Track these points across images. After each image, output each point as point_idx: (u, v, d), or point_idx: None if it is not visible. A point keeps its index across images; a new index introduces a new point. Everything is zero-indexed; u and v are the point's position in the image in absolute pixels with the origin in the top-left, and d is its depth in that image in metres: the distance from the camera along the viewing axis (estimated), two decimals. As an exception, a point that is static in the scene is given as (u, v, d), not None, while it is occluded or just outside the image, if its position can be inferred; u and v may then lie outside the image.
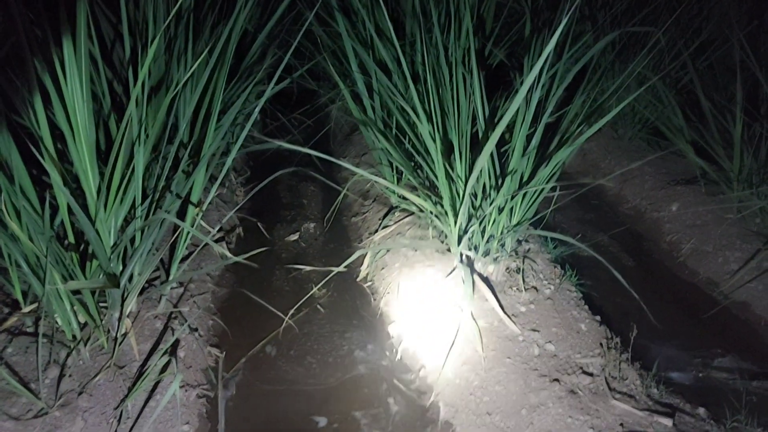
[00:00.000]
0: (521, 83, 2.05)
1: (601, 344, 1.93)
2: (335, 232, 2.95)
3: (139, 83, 1.49)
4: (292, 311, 2.07)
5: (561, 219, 3.15)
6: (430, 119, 1.98)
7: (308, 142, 3.75)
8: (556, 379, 1.78)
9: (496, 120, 2.32)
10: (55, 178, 1.41)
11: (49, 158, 1.47)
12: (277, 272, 2.58)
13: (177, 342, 1.79)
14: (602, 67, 2.90)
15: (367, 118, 2.52)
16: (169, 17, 1.61)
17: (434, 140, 1.93)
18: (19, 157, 1.48)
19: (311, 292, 2.02)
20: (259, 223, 2.77)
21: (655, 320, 2.05)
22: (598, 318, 2.09)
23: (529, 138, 2.00)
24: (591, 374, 1.81)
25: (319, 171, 3.08)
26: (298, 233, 2.91)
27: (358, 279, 2.50)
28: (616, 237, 2.97)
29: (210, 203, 2.75)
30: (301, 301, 1.99)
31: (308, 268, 2.51)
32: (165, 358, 1.62)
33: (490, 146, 1.65)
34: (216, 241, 2.53)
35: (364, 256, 2.54)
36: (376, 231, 2.57)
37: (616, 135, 3.80)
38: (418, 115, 1.95)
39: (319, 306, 2.33)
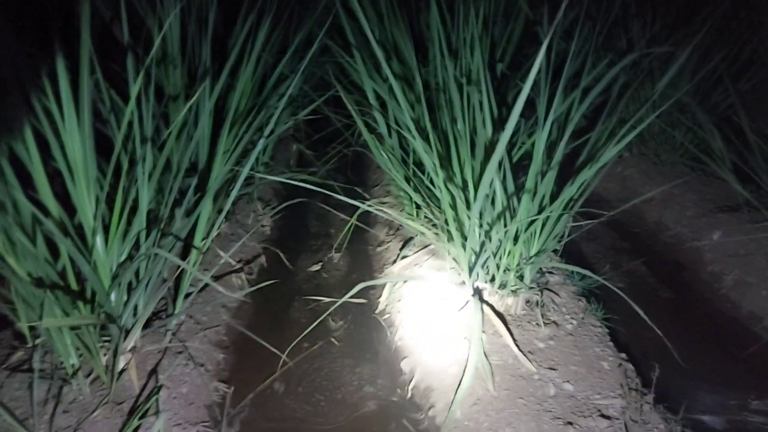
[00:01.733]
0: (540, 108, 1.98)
1: (621, 385, 1.81)
2: (359, 262, 2.91)
3: (133, 98, 1.51)
4: (288, 350, 2.03)
5: (595, 247, 3.02)
6: (439, 149, 1.93)
7: (338, 170, 3.76)
8: (571, 422, 1.67)
9: (513, 152, 2.25)
10: (56, 232, 1.42)
11: (50, 215, 1.49)
12: (296, 303, 2.55)
13: (172, 378, 1.77)
14: (631, 87, 2.78)
15: (385, 152, 2.48)
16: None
17: (436, 172, 1.87)
18: (20, 188, 1.50)
19: (309, 330, 1.97)
20: (280, 254, 2.76)
21: (687, 358, 1.91)
22: (623, 355, 1.97)
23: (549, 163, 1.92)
24: (609, 417, 1.69)
25: (341, 200, 3.05)
26: (321, 263, 2.88)
27: (376, 311, 2.45)
28: (654, 267, 2.82)
29: (232, 232, 2.77)
30: (298, 339, 1.95)
31: (326, 299, 2.47)
32: (163, 395, 1.61)
33: (491, 169, 1.58)
34: (235, 272, 2.53)
35: (383, 287, 2.49)
36: (395, 261, 2.52)
37: (658, 161, 3.64)
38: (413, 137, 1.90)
39: (333, 339, 2.28)
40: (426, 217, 2.45)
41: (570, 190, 1.95)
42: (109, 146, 1.66)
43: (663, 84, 2.02)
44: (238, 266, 2.59)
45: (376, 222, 3.13)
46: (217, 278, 2.36)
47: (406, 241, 2.62)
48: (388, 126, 2.56)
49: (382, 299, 2.48)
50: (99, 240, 1.58)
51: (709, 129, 2.90)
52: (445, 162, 1.99)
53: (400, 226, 2.91)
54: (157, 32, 2.09)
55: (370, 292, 2.55)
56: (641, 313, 1.75)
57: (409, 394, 1.99)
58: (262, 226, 3.06)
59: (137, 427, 1.54)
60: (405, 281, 2.39)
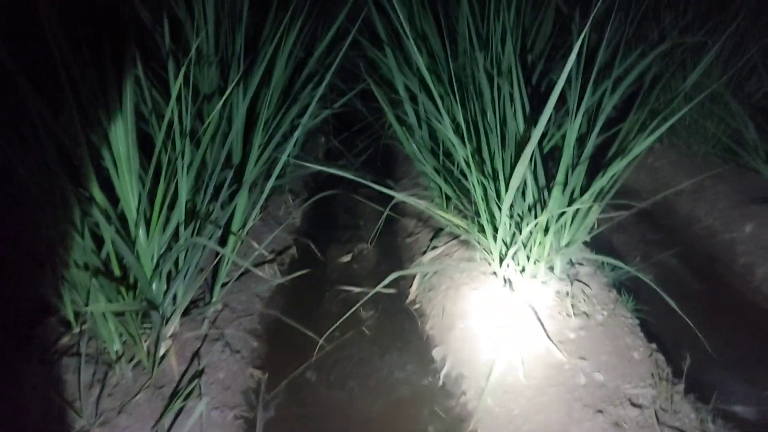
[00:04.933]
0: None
1: (652, 374, 1.82)
2: (388, 253, 2.94)
3: (173, 100, 1.56)
4: (324, 336, 2.07)
5: (625, 239, 3.01)
6: (470, 141, 1.95)
7: (367, 164, 3.80)
8: (601, 411, 1.69)
9: (544, 144, 2.26)
10: (101, 220, 1.48)
11: (96, 205, 1.55)
12: (327, 294, 2.60)
13: (210, 364, 1.83)
14: (664, 77, 2.76)
15: (414, 144, 2.51)
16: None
17: (468, 163, 1.89)
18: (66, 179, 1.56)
19: (345, 317, 2.02)
20: (311, 244, 2.81)
21: (718, 349, 1.91)
22: (653, 346, 1.97)
23: (579, 156, 1.94)
24: (640, 406, 1.70)
25: (373, 191, 3.09)
26: (351, 254, 2.93)
27: (406, 301, 2.48)
28: (685, 259, 2.80)
29: (263, 224, 2.82)
30: (335, 325, 2.00)
31: (357, 290, 2.52)
32: (196, 381, 1.67)
33: (523, 164, 1.61)
34: (268, 262, 2.58)
35: (413, 278, 2.53)
36: (424, 252, 2.55)
37: (689, 152, 3.60)
38: (450, 136, 1.93)
39: (364, 329, 2.33)
40: (456, 207, 2.47)
41: (601, 182, 1.96)
42: (148, 144, 1.73)
43: (696, 74, 2.01)
44: (270, 257, 2.64)
45: (405, 213, 3.16)
46: (241, 273, 2.40)
47: (436, 233, 2.65)
48: (418, 118, 2.59)
49: (412, 289, 2.51)
50: (141, 230, 1.64)
51: (743, 119, 2.87)
52: (476, 154, 2.01)
53: (430, 217, 2.93)
54: (194, 36, 2.14)
55: (400, 282, 2.58)
56: (673, 304, 1.76)
57: (440, 382, 2.02)
58: (293, 218, 3.11)
59: (179, 410, 1.60)
60: (435, 272, 2.42)
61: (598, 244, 2.41)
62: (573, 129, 1.87)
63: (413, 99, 2.60)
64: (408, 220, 3.13)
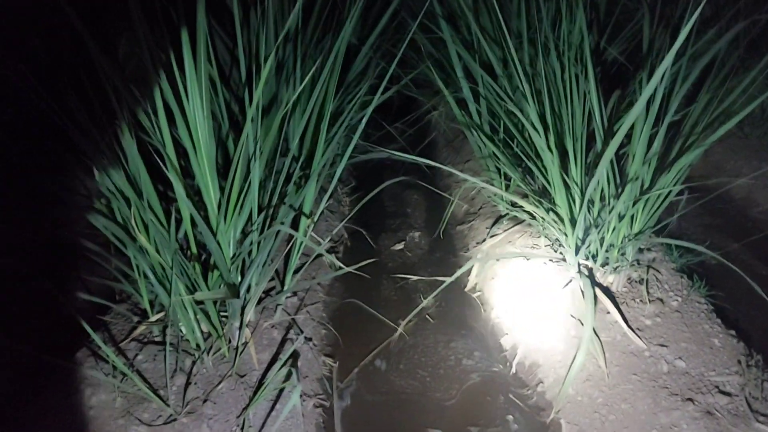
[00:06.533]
0: (639, 84, 1.94)
1: (738, 361, 1.77)
2: (441, 240, 2.90)
3: (255, 104, 1.53)
4: (404, 323, 2.05)
5: (684, 225, 2.94)
6: (543, 123, 1.91)
7: (411, 150, 3.75)
8: (690, 399, 1.65)
9: (615, 125, 2.20)
10: (179, 190, 1.47)
11: (174, 172, 1.53)
12: (384, 282, 2.57)
13: (295, 352, 1.81)
14: (728, 62, 2.68)
15: (472, 123, 2.47)
16: (278, 41, 1.65)
17: (549, 149, 1.85)
18: (147, 173, 1.55)
19: (423, 304, 2.00)
20: (365, 233, 2.78)
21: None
22: (733, 332, 1.92)
23: (650, 141, 1.88)
24: (729, 394, 1.66)
25: (423, 179, 3.07)
26: (403, 242, 2.90)
27: (466, 289, 2.45)
28: (748, 243, 2.74)
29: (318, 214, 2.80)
30: (413, 313, 1.98)
31: (415, 278, 2.49)
32: (285, 369, 1.64)
33: (610, 152, 1.56)
34: (327, 252, 2.56)
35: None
36: (484, 240, 2.51)
37: (742, 134, 3.52)
38: (529, 118, 1.88)
39: (428, 316, 2.30)
40: (518, 191, 2.43)
41: (669, 176, 1.91)
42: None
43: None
44: (327, 246, 2.62)
45: (455, 201, 3.11)
46: (313, 258, 2.39)
47: (496, 220, 2.61)
48: (477, 100, 2.54)
49: (471, 277, 2.47)
50: (220, 217, 1.61)
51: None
52: (556, 142, 1.96)
53: (483, 205, 2.89)
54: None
55: (456, 269, 2.54)
56: (757, 288, 1.70)
57: (513, 370, 1.99)
58: (342, 205, 3.09)
59: (269, 399, 1.59)
60: (498, 259, 2.38)
61: (659, 231, 2.36)
62: (646, 126, 1.82)
63: (468, 78, 2.55)
64: (458, 207, 3.09)
